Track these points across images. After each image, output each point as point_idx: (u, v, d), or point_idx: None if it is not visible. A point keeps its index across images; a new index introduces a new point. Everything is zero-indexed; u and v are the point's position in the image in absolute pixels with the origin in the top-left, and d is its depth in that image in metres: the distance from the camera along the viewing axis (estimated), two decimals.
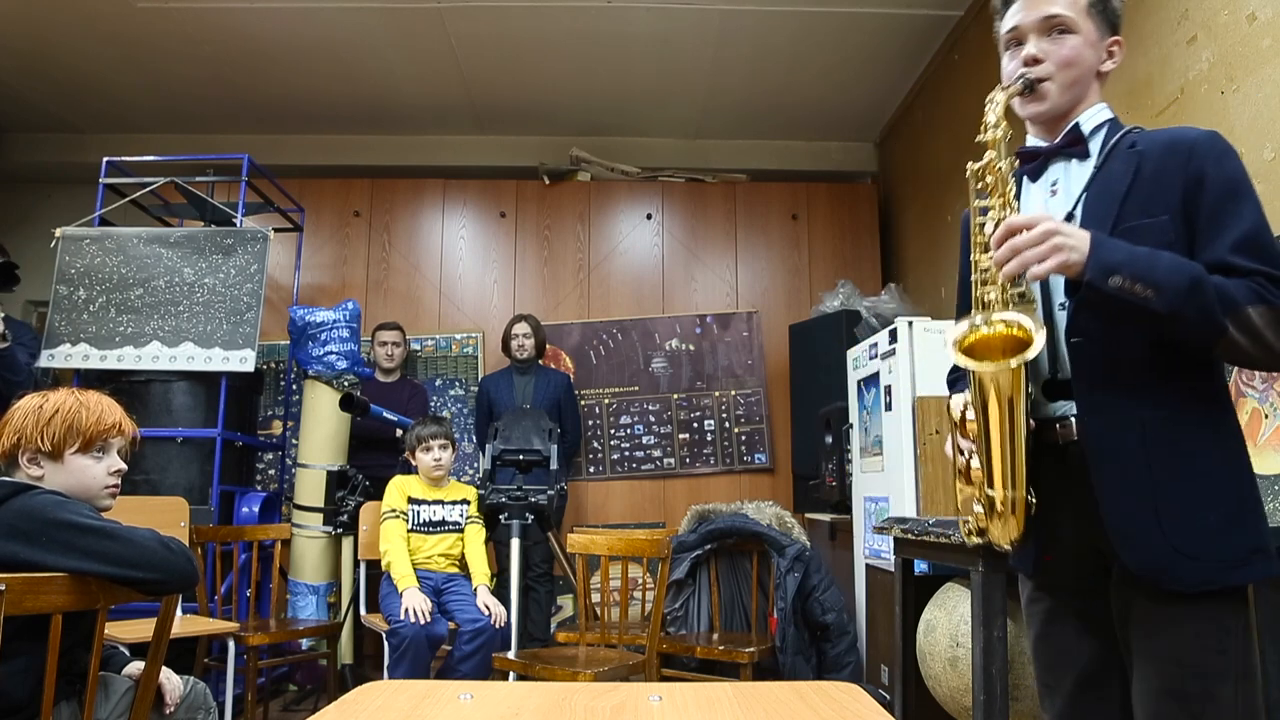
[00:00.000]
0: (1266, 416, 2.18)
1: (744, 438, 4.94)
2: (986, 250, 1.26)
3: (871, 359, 3.34)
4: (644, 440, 4.94)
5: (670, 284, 5.18)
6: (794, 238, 5.23)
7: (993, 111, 1.30)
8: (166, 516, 3.09)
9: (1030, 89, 1.33)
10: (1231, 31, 2.40)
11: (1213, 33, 2.48)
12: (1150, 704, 1.23)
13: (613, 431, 4.94)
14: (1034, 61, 1.33)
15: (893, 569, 2.55)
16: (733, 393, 4.99)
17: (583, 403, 4.90)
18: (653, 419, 4.96)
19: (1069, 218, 1.31)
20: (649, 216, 5.24)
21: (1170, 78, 2.68)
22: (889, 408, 3.13)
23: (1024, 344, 1.18)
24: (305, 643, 3.84)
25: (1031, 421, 1.29)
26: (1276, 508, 2.03)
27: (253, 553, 3.32)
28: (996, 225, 1.24)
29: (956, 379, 1.54)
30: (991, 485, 1.25)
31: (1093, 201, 1.30)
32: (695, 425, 4.95)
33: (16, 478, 1.54)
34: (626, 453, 4.92)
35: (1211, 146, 1.25)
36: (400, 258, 5.13)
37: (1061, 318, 1.31)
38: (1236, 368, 2.29)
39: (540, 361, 4.55)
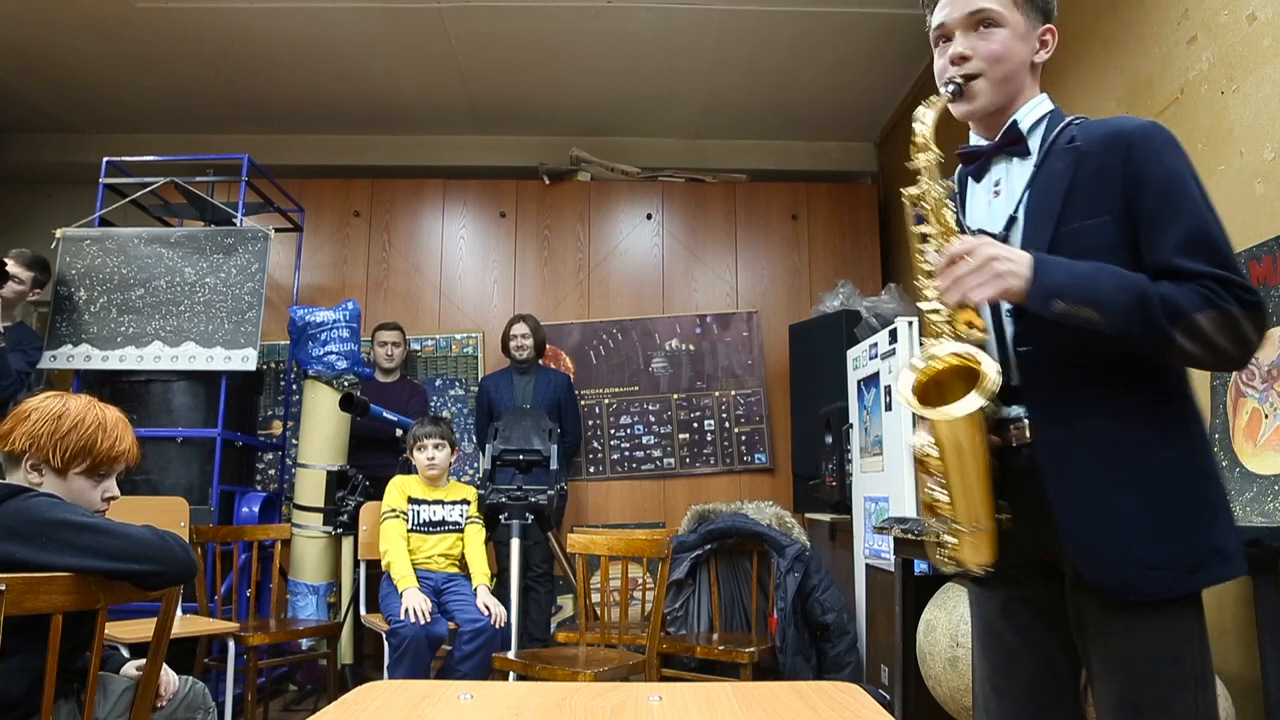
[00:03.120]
0: (1266, 416, 2.18)
1: (744, 438, 4.94)
2: (930, 275, 1.25)
3: (871, 359, 3.34)
4: (644, 440, 4.93)
5: (670, 284, 5.18)
6: (794, 238, 5.23)
7: (921, 131, 1.28)
8: (166, 516, 3.08)
9: (960, 92, 1.30)
10: (1231, 31, 2.40)
11: (1213, 33, 2.48)
12: (1108, 715, 1.20)
13: (613, 431, 4.94)
14: (961, 59, 1.30)
15: (893, 569, 2.55)
16: (733, 393, 4.99)
17: (583, 403, 4.89)
18: (653, 419, 4.95)
19: (1011, 220, 1.28)
20: (649, 216, 5.24)
21: (1170, 78, 2.68)
22: (889, 408, 3.13)
23: (974, 371, 1.16)
24: (305, 643, 3.84)
25: (994, 438, 1.26)
26: (1276, 507, 2.03)
27: (253, 553, 3.32)
28: (938, 252, 1.23)
29: None
30: (958, 521, 1.23)
31: (1034, 202, 1.27)
32: (695, 425, 4.95)
33: (12, 478, 1.54)
34: (626, 453, 4.92)
35: (1147, 141, 1.21)
36: (400, 258, 5.13)
37: (1010, 325, 1.27)
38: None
39: (540, 361, 4.55)
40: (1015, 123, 1.32)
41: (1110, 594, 1.18)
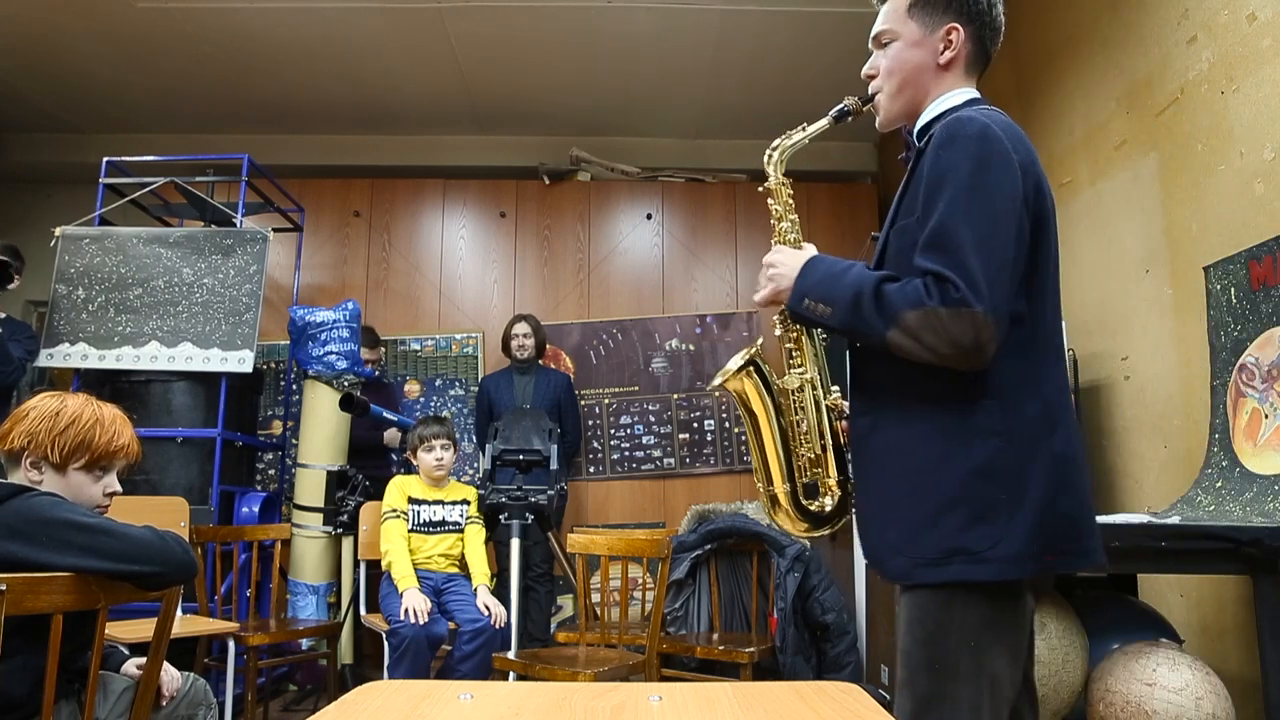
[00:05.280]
0: (1266, 416, 2.18)
1: (744, 438, 4.93)
2: None
3: None
4: (644, 440, 4.93)
5: (670, 284, 5.18)
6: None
7: (770, 155, 1.49)
8: (166, 516, 3.08)
9: (843, 117, 1.46)
10: (1231, 31, 2.40)
11: (1213, 33, 2.48)
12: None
13: (613, 431, 4.94)
14: (867, 78, 1.43)
15: None
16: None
17: (583, 403, 4.89)
18: (653, 419, 4.95)
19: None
20: (649, 216, 5.24)
21: (1170, 78, 2.68)
22: None
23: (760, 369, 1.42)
24: (305, 643, 3.84)
25: (844, 424, 1.43)
26: (1276, 507, 2.03)
27: (253, 553, 3.32)
28: None
29: None
30: (768, 482, 1.42)
31: (894, 205, 1.36)
32: (695, 425, 4.95)
33: (13, 477, 1.54)
34: (626, 453, 4.92)
35: (939, 138, 1.24)
36: (400, 258, 5.13)
37: None
38: (1236, 368, 2.30)
39: (540, 361, 4.55)
40: (908, 129, 1.42)
41: (876, 571, 1.30)
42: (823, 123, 1.47)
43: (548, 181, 5.22)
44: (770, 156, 1.49)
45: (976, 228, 1.16)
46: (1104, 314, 3.06)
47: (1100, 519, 2.09)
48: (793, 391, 1.42)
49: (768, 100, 4.91)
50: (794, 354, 1.43)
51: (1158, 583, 2.73)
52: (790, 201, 1.50)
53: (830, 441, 1.42)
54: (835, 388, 1.44)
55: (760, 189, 1.52)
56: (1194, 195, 2.57)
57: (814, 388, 1.42)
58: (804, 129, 1.48)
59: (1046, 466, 1.20)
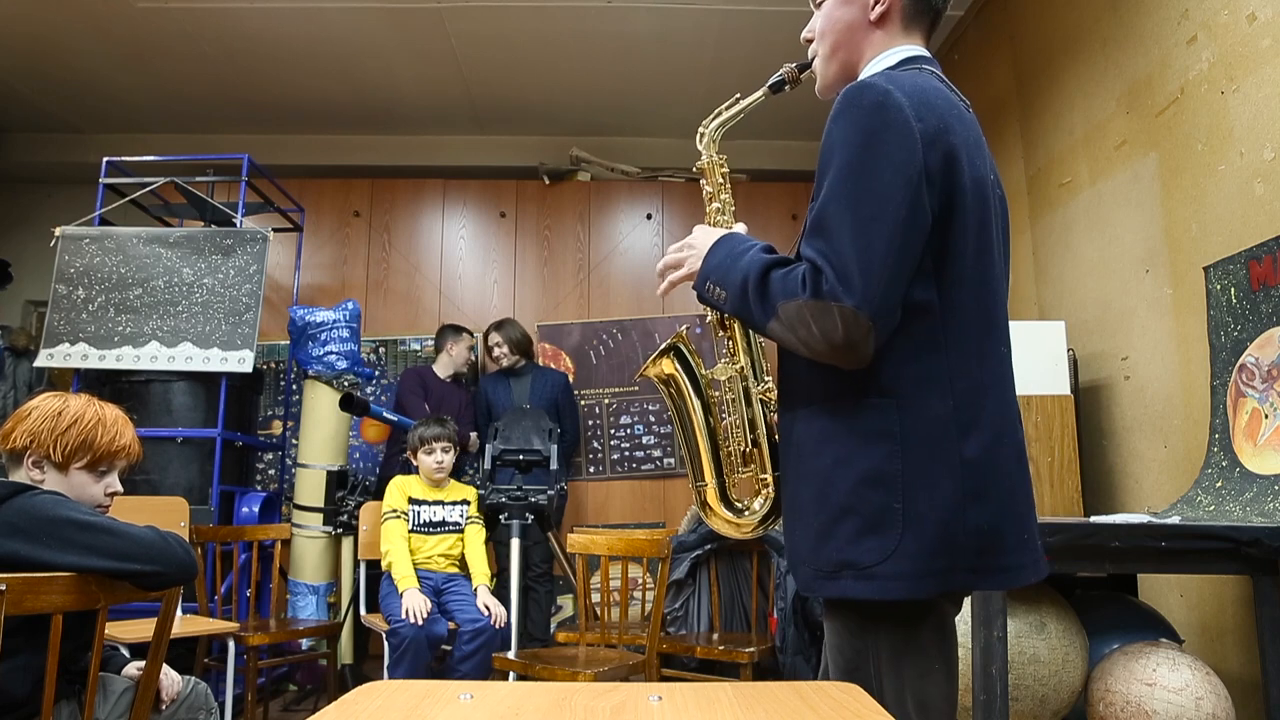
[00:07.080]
0: (1266, 416, 2.18)
1: None
2: None
3: None
4: (644, 440, 4.93)
5: None
6: (794, 238, 5.21)
7: (700, 142, 1.38)
8: (166, 516, 3.08)
9: (780, 87, 1.37)
10: (1231, 31, 2.40)
11: (1213, 33, 2.48)
12: None
13: (613, 431, 4.94)
14: (806, 43, 1.33)
15: None
16: None
17: (583, 403, 4.89)
18: (653, 419, 4.96)
19: None
20: (649, 216, 5.24)
21: (1170, 78, 2.68)
22: None
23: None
24: (305, 643, 3.84)
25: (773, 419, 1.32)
26: (1276, 507, 2.03)
27: (253, 553, 3.32)
28: None
29: None
30: (698, 478, 1.33)
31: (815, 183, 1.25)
32: None
33: (15, 477, 1.54)
34: (626, 453, 4.92)
35: (832, 111, 1.12)
36: (400, 258, 5.13)
37: None
38: (1236, 368, 2.30)
39: (540, 362, 4.54)
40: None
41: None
42: (759, 94, 1.35)
43: (548, 181, 5.22)
44: (702, 134, 1.38)
45: (858, 210, 1.04)
46: (1104, 314, 3.06)
47: (1100, 519, 2.10)
48: (723, 382, 1.31)
49: (768, 100, 4.90)
50: (727, 341, 1.33)
51: (1158, 583, 2.73)
52: (723, 181, 1.39)
53: (764, 436, 1.30)
54: (769, 378, 1.32)
55: (694, 169, 1.41)
56: (1194, 195, 2.57)
57: (744, 379, 1.30)
58: (738, 100, 1.37)
59: (953, 473, 1.07)
